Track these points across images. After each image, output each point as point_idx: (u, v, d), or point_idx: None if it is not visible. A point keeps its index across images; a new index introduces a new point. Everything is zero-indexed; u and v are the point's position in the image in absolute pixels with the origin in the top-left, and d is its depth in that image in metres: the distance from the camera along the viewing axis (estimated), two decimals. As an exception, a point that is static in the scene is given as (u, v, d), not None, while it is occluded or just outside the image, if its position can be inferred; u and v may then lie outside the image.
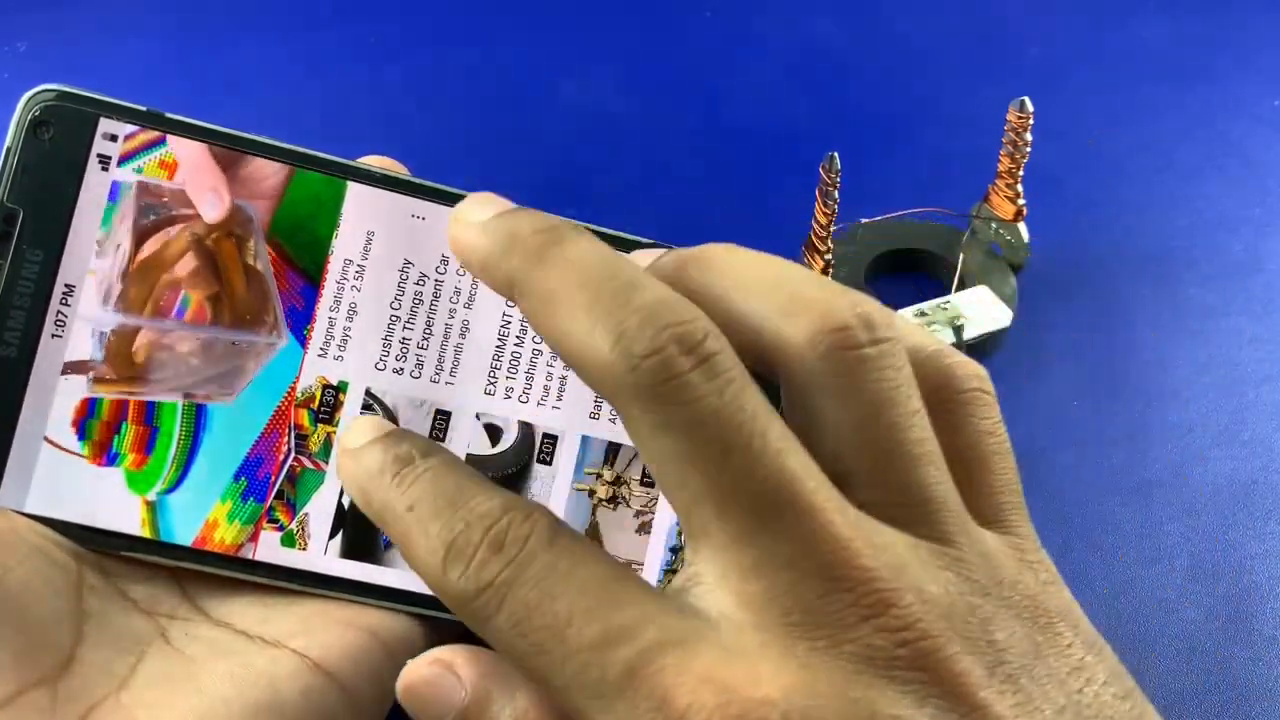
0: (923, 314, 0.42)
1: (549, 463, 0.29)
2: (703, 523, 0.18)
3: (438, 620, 0.29)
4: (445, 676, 0.21)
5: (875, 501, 0.19)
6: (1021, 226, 0.45)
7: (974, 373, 0.21)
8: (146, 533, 0.28)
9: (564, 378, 0.30)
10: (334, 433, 0.29)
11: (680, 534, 0.29)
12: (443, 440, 0.29)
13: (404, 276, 0.29)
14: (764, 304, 0.20)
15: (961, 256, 0.44)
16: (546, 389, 0.30)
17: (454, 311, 0.29)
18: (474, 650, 0.21)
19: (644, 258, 0.22)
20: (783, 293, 0.20)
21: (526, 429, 0.29)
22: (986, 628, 0.18)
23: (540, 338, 0.20)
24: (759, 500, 0.18)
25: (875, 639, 0.17)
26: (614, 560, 0.19)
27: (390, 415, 0.29)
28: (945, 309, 0.43)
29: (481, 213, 0.21)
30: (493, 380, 0.29)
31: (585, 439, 0.30)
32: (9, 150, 0.27)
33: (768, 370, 0.20)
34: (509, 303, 0.26)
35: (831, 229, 0.41)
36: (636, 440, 0.19)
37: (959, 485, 0.20)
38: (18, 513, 0.27)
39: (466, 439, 0.29)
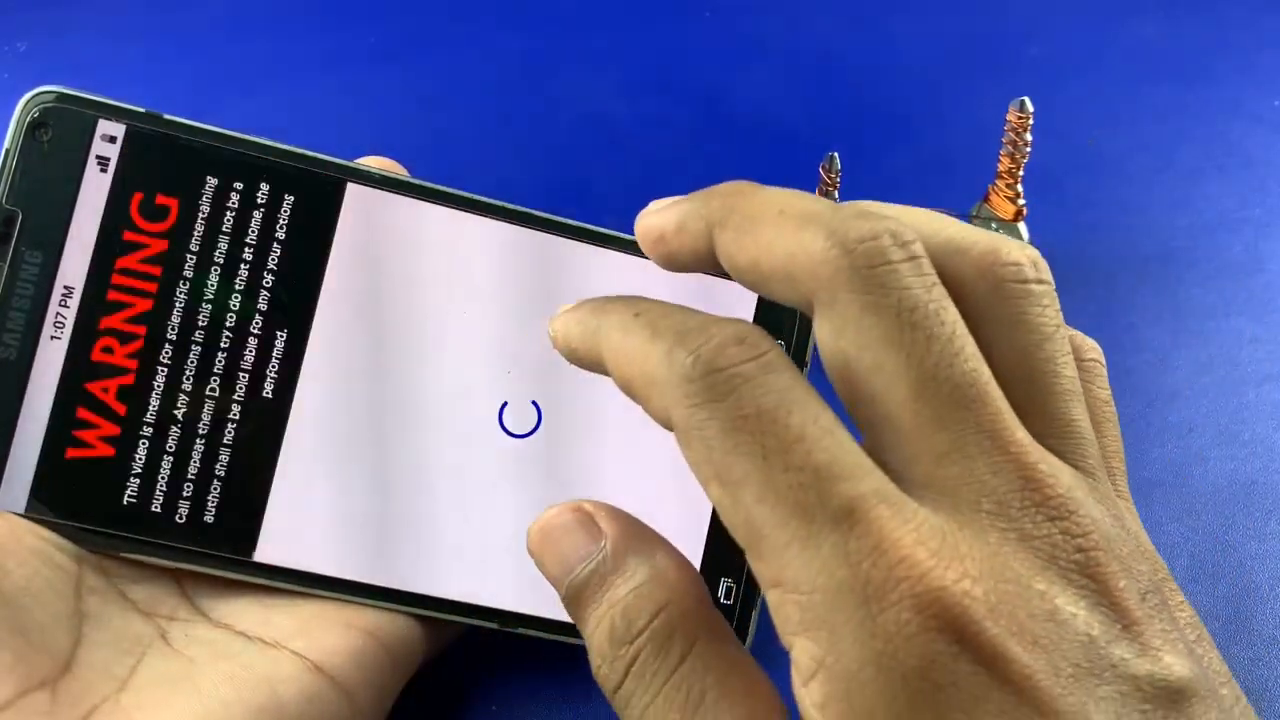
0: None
1: None
2: (892, 408, 0.19)
3: (438, 621, 0.29)
4: (585, 525, 0.21)
5: (1036, 431, 0.20)
6: (1021, 226, 0.44)
7: (1093, 345, 0.23)
8: (147, 534, 0.28)
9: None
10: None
11: None
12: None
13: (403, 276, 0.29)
14: (939, 234, 0.21)
15: (961, 256, 0.44)
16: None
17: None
18: (615, 508, 0.21)
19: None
20: (950, 230, 0.21)
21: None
22: (1132, 559, 0.19)
23: (734, 266, 0.21)
24: (956, 390, 0.19)
25: (1059, 540, 0.18)
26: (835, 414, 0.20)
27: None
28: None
29: (666, 201, 0.23)
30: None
31: None
32: (8, 152, 0.27)
33: None
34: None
35: (831, 229, 0.41)
36: (836, 332, 0.19)
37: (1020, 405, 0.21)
38: (17, 514, 0.27)
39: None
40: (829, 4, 0.58)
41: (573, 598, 0.21)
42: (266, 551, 0.28)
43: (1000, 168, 0.44)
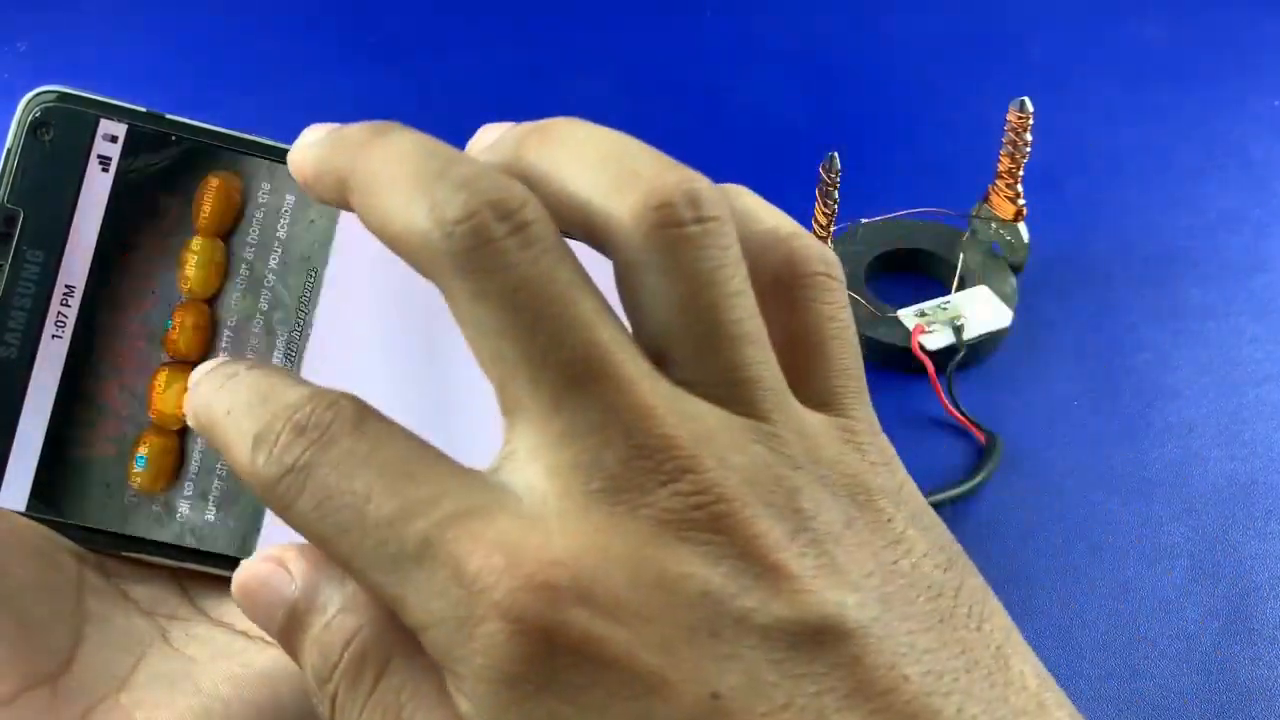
0: (923, 314, 0.42)
1: None
2: (516, 396, 0.19)
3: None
4: (276, 572, 0.21)
5: (694, 381, 0.19)
6: (1021, 226, 0.45)
7: (819, 256, 0.21)
8: (148, 533, 0.28)
9: None
10: None
11: None
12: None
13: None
14: (595, 180, 0.20)
15: (961, 256, 0.44)
16: None
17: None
18: (305, 546, 0.21)
19: (490, 131, 0.22)
20: (614, 168, 0.20)
21: None
22: (794, 497, 0.18)
23: (369, 230, 0.20)
24: (568, 368, 0.18)
25: (671, 502, 0.18)
26: (422, 442, 0.19)
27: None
28: (945, 309, 0.43)
29: (316, 134, 0.21)
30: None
31: None
32: (9, 151, 0.27)
33: (600, 250, 0.20)
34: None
35: (831, 229, 0.41)
36: (457, 318, 0.19)
37: (794, 368, 0.20)
38: (18, 513, 0.27)
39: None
40: (829, 4, 0.58)
41: (284, 646, 0.21)
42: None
43: (1000, 168, 0.44)
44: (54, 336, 0.27)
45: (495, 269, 0.18)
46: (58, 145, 0.27)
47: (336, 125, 0.21)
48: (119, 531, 0.27)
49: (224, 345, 0.28)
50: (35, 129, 0.27)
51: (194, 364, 0.28)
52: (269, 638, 0.26)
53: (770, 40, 0.56)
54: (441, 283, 0.19)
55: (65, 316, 0.27)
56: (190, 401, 0.21)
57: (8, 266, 0.27)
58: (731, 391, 0.19)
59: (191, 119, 0.28)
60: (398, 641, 0.19)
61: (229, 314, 0.28)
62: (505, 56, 0.54)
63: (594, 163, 0.20)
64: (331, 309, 0.29)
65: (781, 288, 0.21)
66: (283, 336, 0.29)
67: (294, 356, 0.29)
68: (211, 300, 0.28)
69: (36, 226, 0.27)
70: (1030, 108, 0.42)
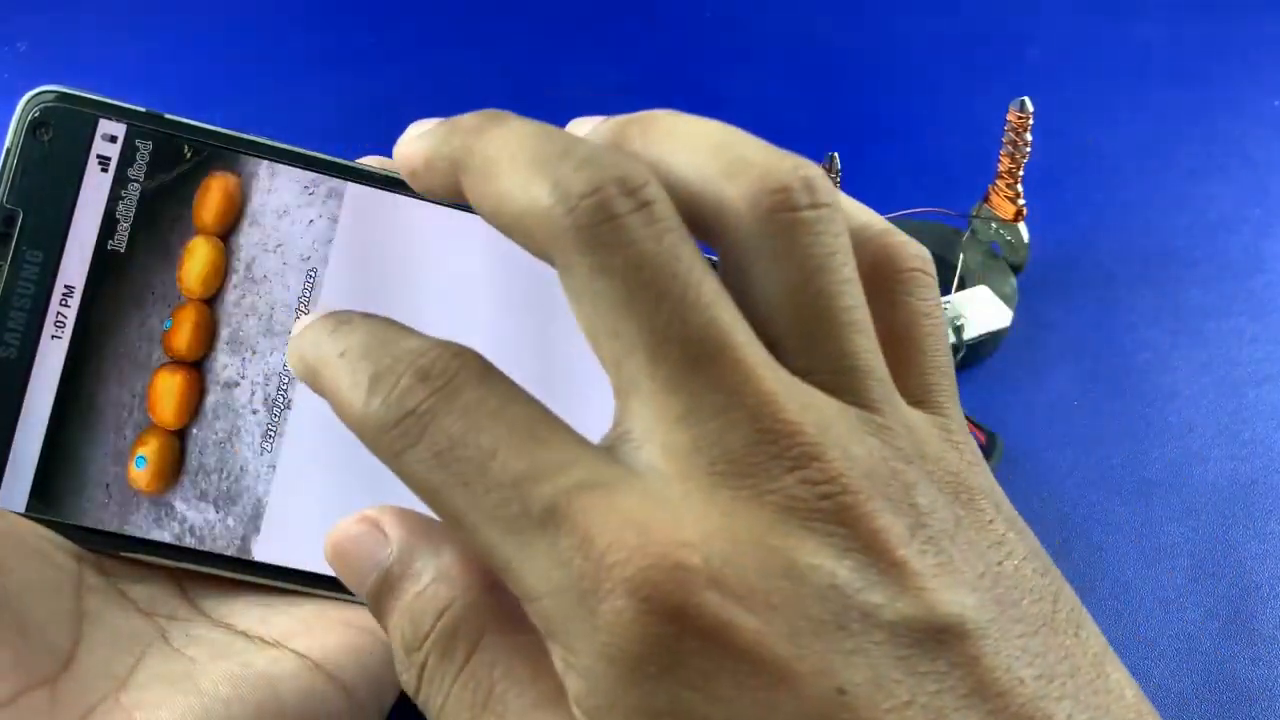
0: (923, 314, 0.42)
1: None
2: (633, 374, 0.18)
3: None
4: (372, 534, 0.20)
5: (804, 369, 0.19)
6: (1021, 226, 0.44)
7: (915, 253, 0.21)
8: (147, 533, 0.28)
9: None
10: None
11: None
12: None
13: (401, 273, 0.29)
14: (706, 166, 0.19)
15: (961, 256, 0.44)
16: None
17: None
18: (402, 509, 0.21)
19: (583, 124, 0.21)
20: (725, 155, 0.19)
21: None
22: (909, 492, 0.18)
23: (482, 214, 0.20)
24: (690, 348, 0.18)
25: (798, 490, 0.17)
26: (546, 407, 0.19)
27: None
28: (945, 309, 0.43)
29: (424, 125, 0.21)
30: None
31: None
32: (8, 151, 0.27)
33: (706, 237, 0.20)
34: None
35: (831, 229, 0.41)
36: (572, 295, 0.19)
37: (891, 363, 0.20)
38: (17, 513, 0.27)
39: None
40: (829, 4, 0.58)
41: (372, 608, 0.20)
42: (266, 551, 0.28)
43: (1000, 168, 0.44)
44: (53, 337, 0.27)
45: (619, 244, 0.18)
46: (57, 145, 0.27)
47: (444, 119, 0.21)
48: (118, 531, 0.27)
49: (223, 345, 0.28)
50: (34, 129, 0.27)
51: (193, 364, 0.28)
52: (268, 636, 0.27)
53: (770, 40, 0.56)
54: (561, 258, 0.18)
55: (65, 316, 0.27)
56: (297, 345, 0.21)
57: (7, 266, 0.27)
58: (839, 380, 0.19)
59: (191, 119, 0.28)
60: (493, 617, 0.19)
61: (228, 314, 0.28)
62: (504, 56, 0.54)
63: (703, 150, 0.19)
64: (331, 308, 0.29)
65: (879, 283, 0.20)
66: (283, 337, 0.29)
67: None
68: (211, 300, 0.28)
69: (36, 226, 0.27)
70: (1030, 108, 0.42)
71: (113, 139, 0.28)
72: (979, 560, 0.18)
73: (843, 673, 0.16)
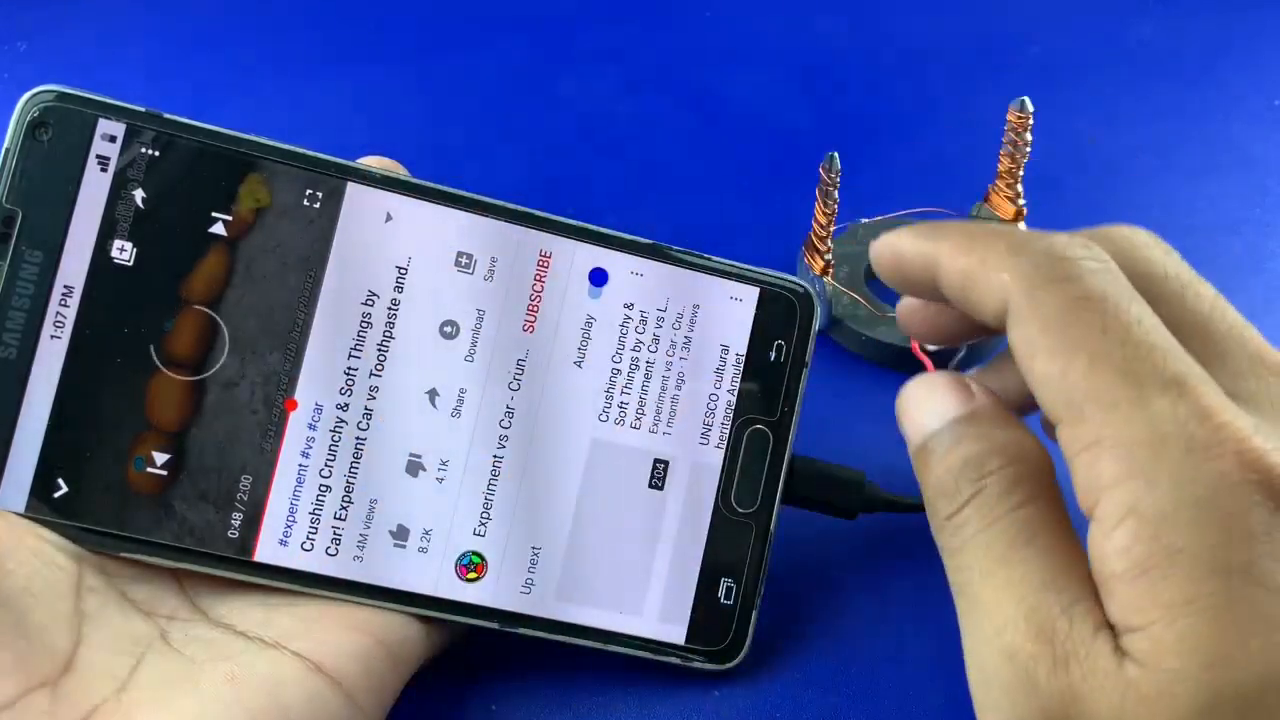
0: (923, 314, 0.42)
1: (660, 488, 0.29)
2: (1110, 388, 0.21)
3: (438, 621, 0.29)
4: (963, 389, 0.24)
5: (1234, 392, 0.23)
6: (1021, 226, 0.44)
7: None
8: (147, 534, 0.28)
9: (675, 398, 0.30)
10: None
11: None
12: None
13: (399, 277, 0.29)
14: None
15: (961, 256, 0.44)
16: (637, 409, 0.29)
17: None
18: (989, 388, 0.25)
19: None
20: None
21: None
22: None
23: (947, 271, 0.24)
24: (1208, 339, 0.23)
25: None
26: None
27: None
28: (945, 309, 0.43)
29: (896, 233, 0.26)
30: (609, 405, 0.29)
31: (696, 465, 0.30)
32: (8, 151, 0.27)
33: None
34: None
35: (831, 229, 0.41)
36: (1040, 317, 0.22)
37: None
38: (17, 514, 0.27)
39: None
40: (829, 4, 0.58)
41: (924, 444, 0.24)
42: (266, 551, 0.28)
43: (1000, 168, 0.44)
44: (53, 337, 0.27)
45: (1101, 282, 0.22)
46: (56, 145, 0.27)
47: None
48: (118, 532, 0.27)
49: (223, 345, 0.28)
50: (34, 129, 0.27)
51: (193, 364, 0.28)
52: (269, 637, 0.27)
53: (770, 40, 0.56)
54: (1038, 294, 0.22)
55: (64, 317, 0.27)
56: (907, 239, 0.26)
57: (6, 266, 0.27)
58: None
59: (190, 119, 0.28)
60: (1049, 494, 0.23)
61: (228, 314, 0.28)
62: (505, 57, 0.54)
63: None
64: (330, 308, 0.29)
65: None
66: (282, 337, 0.28)
67: (294, 357, 0.29)
68: (210, 300, 0.28)
69: (35, 226, 0.27)
70: (1030, 108, 0.42)
71: (112, 139, 0.28)
72: None
73: None
